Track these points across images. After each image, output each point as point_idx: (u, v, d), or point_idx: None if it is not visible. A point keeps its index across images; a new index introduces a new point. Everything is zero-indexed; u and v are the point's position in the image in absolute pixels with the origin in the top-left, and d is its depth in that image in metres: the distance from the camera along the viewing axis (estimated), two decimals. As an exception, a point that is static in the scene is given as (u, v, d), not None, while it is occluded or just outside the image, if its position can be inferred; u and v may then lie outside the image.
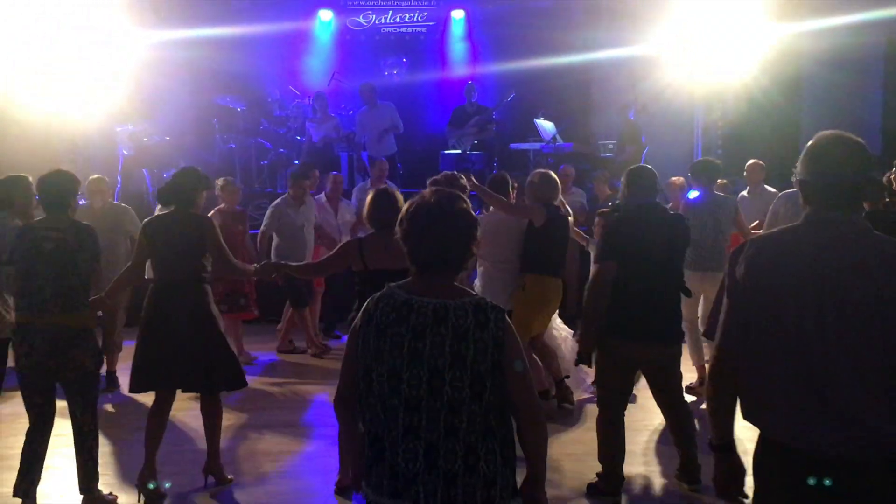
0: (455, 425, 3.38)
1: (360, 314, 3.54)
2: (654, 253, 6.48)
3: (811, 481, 3.37)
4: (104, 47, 14.06)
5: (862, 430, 3.37)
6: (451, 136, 16.55)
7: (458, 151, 16.10)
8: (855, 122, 16.27)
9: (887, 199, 9.39)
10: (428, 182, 7.33)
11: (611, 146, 16.21)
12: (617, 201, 7.80)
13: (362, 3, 18.44)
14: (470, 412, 3.38)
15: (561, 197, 8.90)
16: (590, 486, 6.69)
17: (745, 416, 3.61)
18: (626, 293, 6.43)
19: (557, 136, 15.71)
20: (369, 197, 6.64)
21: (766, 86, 14.25)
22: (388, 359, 3.40)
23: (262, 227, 11.22)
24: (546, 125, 15.84)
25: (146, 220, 6.91)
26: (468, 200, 3.66)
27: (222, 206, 11.22)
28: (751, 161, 11.57)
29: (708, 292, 9.22)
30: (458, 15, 18.72)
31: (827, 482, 3.35)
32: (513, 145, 16.65)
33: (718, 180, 10.71)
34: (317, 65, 18.48)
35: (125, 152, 15.32)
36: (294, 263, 7.47)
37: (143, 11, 15.00)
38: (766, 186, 11.57)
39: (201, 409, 6.81)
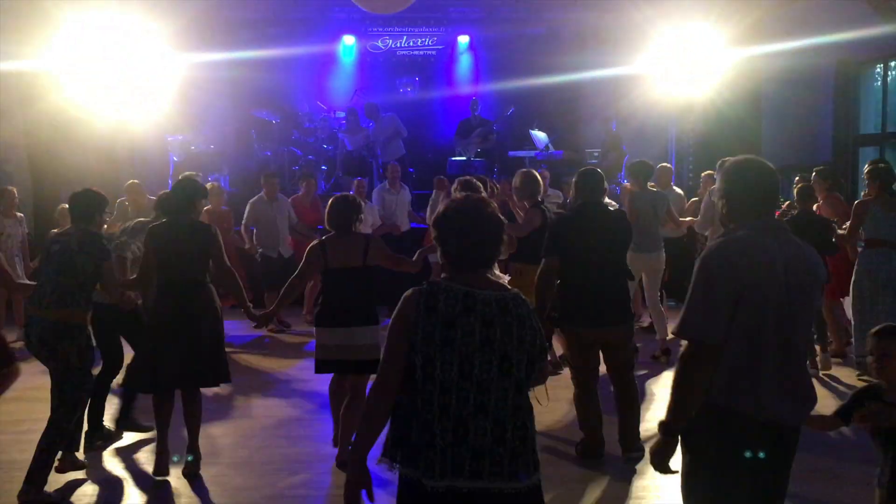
0: (519, 403, 3.41)
1: (411, 307, 3.40)
2: (596, 246, 6.57)
3: (753, 453, 3.54)
4: (159, 67, 14.21)
5: (809, 401, 3.70)
6: (458, 145, 16.87)
7: (464, 158, 16.35)
8: (808, 132, 16.42)
9: (786, 204, 9.96)
10: (456, 181, 7.80)
11: (596, 153, 16.25)
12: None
13: (380, 29, 18.35)
14: (525, 391, 3.46)
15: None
16: (576, 447, 6.84)
17: (716, 397, 3.60)
18: (574, 285, 6.57)
19: (550, 145, 16.04)
20: (329, 202, 6.65)
21: (730, 100, 14.14)
22: (460, 346, 3.34)
23: (243, 220, 11.86)
24: (540, 135, 16.12)
25: (150, 227, 6.68)
26: (495, 204, 3.69)
27: (209, 206, 11.03)
28: (659, 165, 11.64)
29: (646, 271, 9.78)
30: (463, 40, 18.85)
31: (765, 449, 3.55)
32: (511, 153, 16.86)
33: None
34: (341, 83, 18.65)
35: (175, 159, 15.72)
36: (280, 298, 6.94)
37: (192, 37, 15.18)
38: (674, 187, 11.93)
39: (184, 403, 6.52)
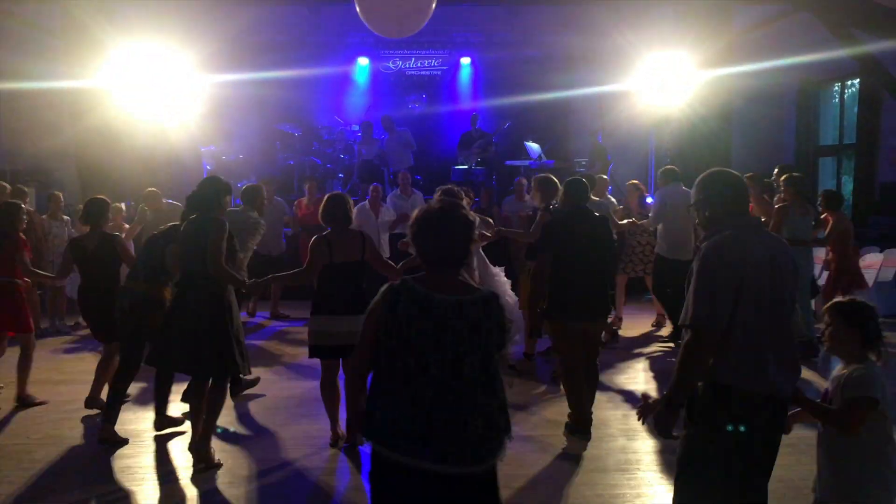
0: (475, 397, 3.41)
1: (380, 304, 3.44)
2: (583, 247, 6.68)
3: (756, 424, 3.62)
4: (193, 86, 14.59)
5: (798, 373, 3.80)
6: (460, 155, 17.05)
7: (465, 167, 16.51)
8: (773, 143, 17.05)
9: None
10: (436, 190, 7.84)
11: (584, 163, 16.37)
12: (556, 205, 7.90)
13: (391, 51, 18.67)
14: (482, 383, 3.44)
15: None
16: (566, 425, 6.84)
17: (715, 375, 3.69)
18: (563, 281, 6.63)
19: (542, 155, 16.14)
20: (325, 199, 6.61)
21: (703, 115, 14.48)
22: (415, 345, 3.35)
23: None
24: (534, 146, 16.21)
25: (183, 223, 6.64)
26: (467, 207, 3.66)
27: None
28: (597, 176, 11.68)
29: None
30: (465, 61, 19.12)
31: (764, 418, 3.65)
32: (508, 162, 16.89)
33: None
34: (356, 99, 18.95)
35: (208, 167, 15.97)
36: (284, 273, 7.19)
37: (223, 59, 15.63)
38: (609, 196, 11.90)
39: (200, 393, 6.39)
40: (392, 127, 16.54)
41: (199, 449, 6.16)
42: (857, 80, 15.79)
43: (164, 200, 11.40)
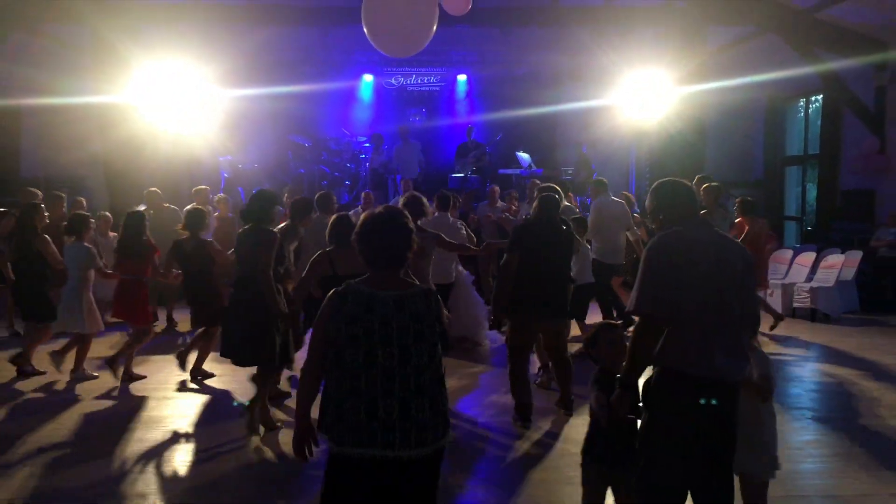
0: (421, 384, 3.42)
1: (326, 306, 3.45)
2: (547, 251, 6.84)
3: (707, 401, 3.62)
4: (211, 100, 14.77)
5: (744, 361, 3.79)
6: (457, 164, 17.20)
7: (462, 175, 16.63)
8: (744, 154, 17.31)
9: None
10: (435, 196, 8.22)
11: (570, 171, 16.61)
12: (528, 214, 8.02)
13: (393, 69, 18.77)
14: (427, 371, 3.45)
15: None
16: (513, 417, 6.93)
17: (665, 360, 3.71)
18: (526, 280, 6.72)
19: (532, 164, 16.30)
20: (332, 221, 6.50)
21: (680, 128, 14.49)
22: (363, 340, 3.37)
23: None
24: (524, 156, 16.39)
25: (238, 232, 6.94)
26: (408, 215, 3.67)
27: (217, 213, 11.66)
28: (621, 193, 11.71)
29: None
30: (461, 78, 19.33)
31: (713, 401, 3.62)
32: (501, 171, 17.09)
33: None
34: (361, 113, 19.13)
35: (226, 175, 16.13)
36: (295, 295, 6.85)
37: (239, 75, 15.86)
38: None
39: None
40: (407, 139, 16.70)
41: (263, 420, 6.63)
42: (821, 95, 15.90)
43: (164, 204, 11.53)
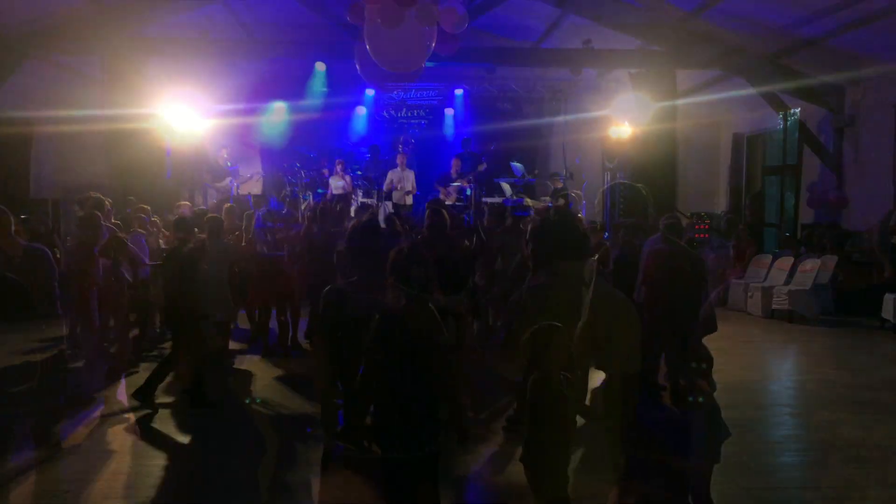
0: (417, 388, 3.63)
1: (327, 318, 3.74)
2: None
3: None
4: (221, 115, 15.70)
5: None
6: (453, 173, 17.24)
7: (458, 184, 16.91)
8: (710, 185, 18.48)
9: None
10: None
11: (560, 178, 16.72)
12: None
13: (394, 85, 19.19)
14: (425, 376, 3.65)
15: None
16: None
17: (614, 366, 3.92)
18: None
19: (525, 174, 16.79)
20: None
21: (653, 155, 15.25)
22: (369, 348, 3.59)
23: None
24: (518, 166, 16.86)
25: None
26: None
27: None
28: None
29: None
30: (458, 92, 19.89)
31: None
32: (497, 179, 17.26)
33: None
34: (363, 125, 19.79)
35: (235, 183, 16.66)
36: None
37: (247, 91, 16.76)
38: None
39: None
40: (404, 164, 17.19)
41: None
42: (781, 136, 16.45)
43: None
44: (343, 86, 18.32)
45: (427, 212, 7.71)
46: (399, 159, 16.76)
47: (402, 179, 16.84)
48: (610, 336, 3.92)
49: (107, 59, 14.51)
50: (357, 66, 12.47)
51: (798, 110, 15.03)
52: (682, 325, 6.71)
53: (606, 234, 11.42)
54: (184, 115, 14.64)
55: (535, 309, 3.92)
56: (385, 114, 20.07)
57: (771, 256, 14.61)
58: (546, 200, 16.39)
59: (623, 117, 15.57)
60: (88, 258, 8.21)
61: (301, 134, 18.55)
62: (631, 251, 8.31)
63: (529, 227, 4.25)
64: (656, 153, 15.08)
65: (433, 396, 3.68)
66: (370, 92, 19.61)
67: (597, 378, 6.41)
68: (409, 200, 16.86)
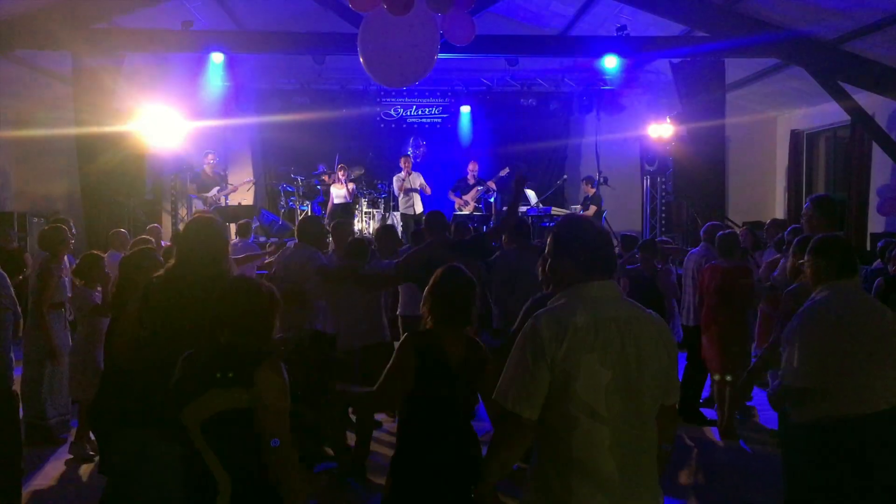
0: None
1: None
2: None
3: None
4: (200, 128, 14.81)
5: None
6: (454, 202, 16.15)
7: (466, 213, 15.54)
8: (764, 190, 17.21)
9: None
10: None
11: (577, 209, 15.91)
12: None
13: (392, 99, 18.22)
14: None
15: None
16: None
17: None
18: None
19: (539, 203, 15.65)
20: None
21: (699, 162, 13.93)
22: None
23: None
24: (530, 194, 15.70)
25: None
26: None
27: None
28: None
29: None
30: (465, 109, 18.41)
31: None
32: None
33: None
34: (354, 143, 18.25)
35: (215, 199, 15.44)
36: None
37: (229, 103, 15.72)
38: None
39: None
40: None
41: None
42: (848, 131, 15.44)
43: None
44: (336, 102, 17.28)
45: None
46: (403, 162, 15.44)
47: (409, 186, 15.56)
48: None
49: (77, 55, 13.31)
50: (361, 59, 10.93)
51: (866, 103, 13.67)
52: (744, 351, 7.28)
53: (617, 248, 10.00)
54: (164, 117, 13.83)
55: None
56: (392, 112, 18.68)
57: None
58: (577, 209, 15.38)
59: (664, 113, 14.59)
60: (46, 278, 7.42)
61: (287, 153, 17.47)
62: (648, 271, 8.39)
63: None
64: (703, 154, 13.85)
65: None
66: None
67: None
68: (419, 208, 15.47)
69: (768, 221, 11.02)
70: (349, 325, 6.57)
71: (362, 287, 6.50)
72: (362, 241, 7.10)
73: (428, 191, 15.69)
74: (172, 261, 4.15)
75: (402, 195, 15.56)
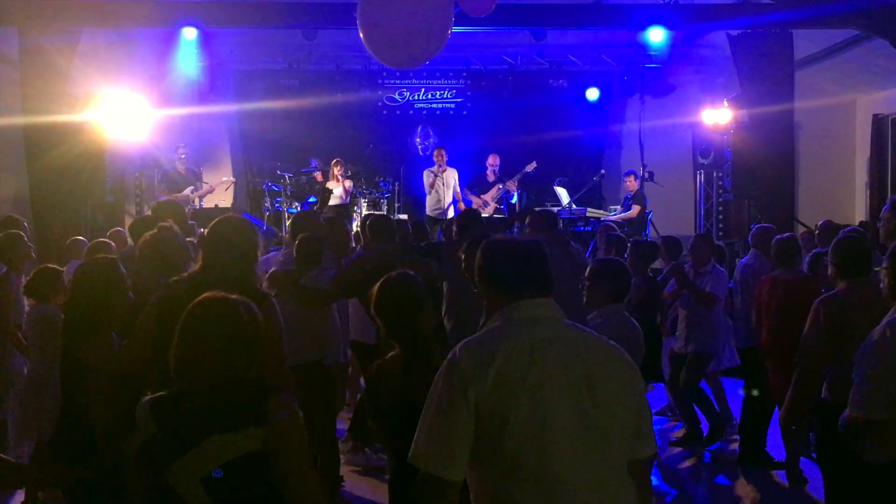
0: None
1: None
2: None
3: None
4: (168, 116, 14.54)
5: None
6: (469, 196, 15.62)
7: (486, 216, 14.67)
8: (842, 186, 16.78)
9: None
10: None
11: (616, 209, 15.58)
12: None
13: (397, 81, 17.69)
14: None
15: None
16: None
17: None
18: None
19: (572, 203, 15.00)
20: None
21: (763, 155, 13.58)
22: None
23: None
24: (562, 192, 15.22)
25: None
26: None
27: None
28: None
29: None
30: (483, 93, 17.71)
31: None
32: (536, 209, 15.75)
33: None
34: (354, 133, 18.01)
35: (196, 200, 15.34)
36: None
37: (205, 87, 15.63)
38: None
39: None
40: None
41: None
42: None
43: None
44: (333, 85, 17.05)
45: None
46: (437, 155, 14.82)
47: (441, 184, 14.92)
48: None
49: (24, 31, 12.96)
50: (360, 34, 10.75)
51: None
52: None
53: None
54: (127, 105, 13.38)
55: None
56: (397, 96, 18.20)
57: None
58: (616, 210, 14.97)
59: (721, 96, 14.24)
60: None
61: (271, 144, 17.33)
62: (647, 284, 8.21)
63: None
64: (767, 143, 13.48)
65: None
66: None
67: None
68: (450, 212, 14.64)
69: (820, 222, 10.27)
70: (287, 340, 5.94)
71: (299, 301, 6.19)
72: (312, 240, 6.65)
73: (459, 194, 15.14)
74: (197, 266, 4.27)
75: (431, 193, 14.92)
